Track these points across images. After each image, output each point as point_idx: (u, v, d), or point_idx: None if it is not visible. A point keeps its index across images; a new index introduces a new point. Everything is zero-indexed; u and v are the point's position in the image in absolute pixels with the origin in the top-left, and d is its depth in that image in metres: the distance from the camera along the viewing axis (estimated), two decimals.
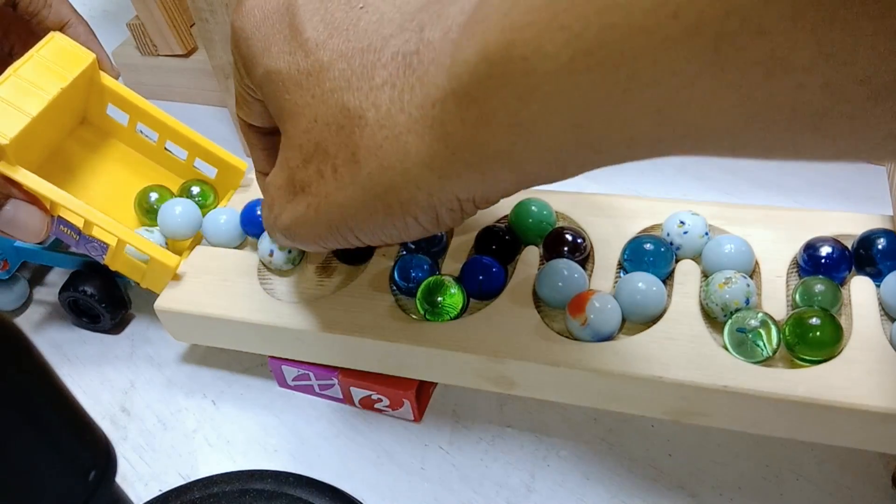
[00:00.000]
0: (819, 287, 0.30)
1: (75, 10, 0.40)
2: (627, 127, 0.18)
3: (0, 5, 0.38)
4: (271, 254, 0.36)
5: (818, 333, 0.28)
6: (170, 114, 0.41)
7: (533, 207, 0.35)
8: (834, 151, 0.16)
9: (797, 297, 0.31)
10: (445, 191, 0.22)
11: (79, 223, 0.36)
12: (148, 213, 0.40)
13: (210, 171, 0.42)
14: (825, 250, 0.31)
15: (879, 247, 0.31)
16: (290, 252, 0.37)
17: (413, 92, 0.22)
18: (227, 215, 0.39)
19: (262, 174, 0.32)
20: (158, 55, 0.57)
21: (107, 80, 0.40)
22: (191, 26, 0.57)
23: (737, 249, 0.32)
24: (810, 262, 0.31)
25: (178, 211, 0.38)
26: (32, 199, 0.36)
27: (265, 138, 0.31)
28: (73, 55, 0.38)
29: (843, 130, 0.15)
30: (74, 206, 0.35)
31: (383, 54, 0.23)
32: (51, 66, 0.37)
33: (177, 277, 0.37)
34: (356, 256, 0.36)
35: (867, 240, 0.31)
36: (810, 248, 0.32)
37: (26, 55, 0.36)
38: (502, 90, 0.19)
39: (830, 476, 0.32)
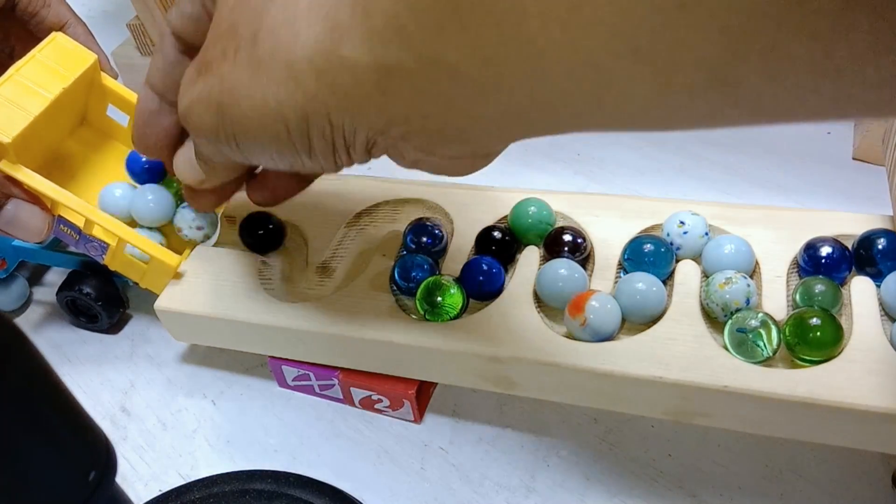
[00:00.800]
0: (819, 287, 0.30)
1: (73, 11, 0.40)
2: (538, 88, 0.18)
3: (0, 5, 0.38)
4: (179, 230, 0.37)
5: (818, 334, 0.28)
6: None
7: (532, 208, 0.35)
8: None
9: (797, 297, 0.31)
10: (318, 100, 0.21)
11: (79, 222, 0.36)
12: None
13: None
14: (825, 250, 0.31)
15: (879, 247, 0.31)
16: (200, 226, 0.37)
17: None
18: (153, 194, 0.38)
19: (148, 86, 0.31)
20: None
21: (107, 80, 0.40)
22: None
23: (737, 249, 0.32)
24: (810, 263, 0.31)
25: (150, 197, 0.38)
26: (33, 198, 0.36)
27: (179, 53, 0.29)
28: (75, 55, 0.38)
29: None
30: (75, 204, 0.35)
31: None
32: (52, 65, 0.37)
33: (177, 277, 0.37)
34: (265, 239, 0.37)
35: (867, 240, 0.31)
36: (810, 249, 0.32)
37: (28, 55, 0.36)
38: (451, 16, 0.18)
39: (830, 476, 0.32)
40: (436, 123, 0.21)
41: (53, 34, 0.38)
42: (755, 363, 0.29)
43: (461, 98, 0.20)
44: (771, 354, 0.29)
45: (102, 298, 0.40)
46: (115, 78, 0.41)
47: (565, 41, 0.17)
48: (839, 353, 0.28)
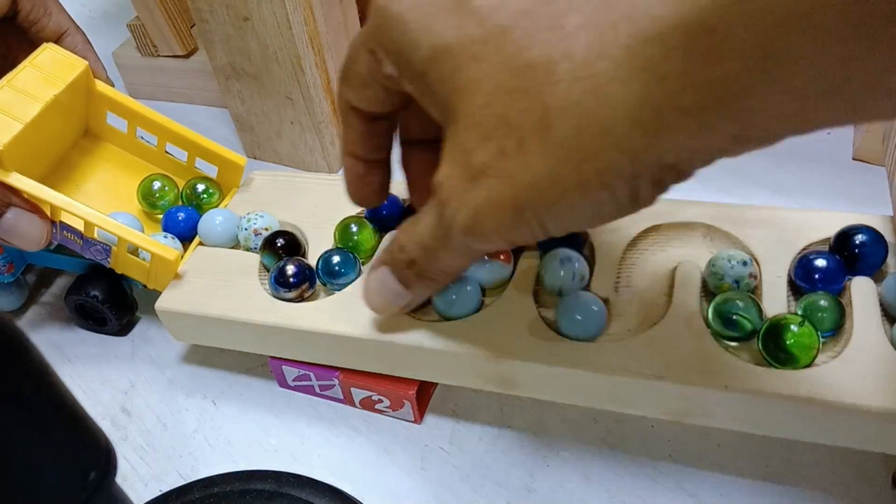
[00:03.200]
0: (823, 303, 0.30)
1: (73, 20, 0.41)
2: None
3: (1, 15, 0.38)
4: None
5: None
6: (170, 115, 0.42)
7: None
8: None
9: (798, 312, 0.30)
10: (651, 152, 0.19)
11: (79, 226, 0.36)
12: (152, 204, 0.41)
13: (211, 171, 0.42)
14: (820, 263, 0.31)
15: (857, 241, 0.31)
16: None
17: (617, 31, 0.19)
18: (222, 216, 0.39)
19: (350, 156, 0.30)
20: (159, 56, 0.57)
21: (102, 87, 0.41)
22: (191, 27, 0.57)
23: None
24: (805, 278, 0.31)
25: (218, 221, 0.39)
26: (33, 207, 0.36)
27: (368, 123, 0.29)
28: (66, 63, 0.39)
29: None
30: (73, 208, 0.35)
31: None
32: (44, 74, 0.37)
33: (178, 277, 0.37)
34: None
35: (844, 236, 0.32)
36: (804, 260, 0.31)
37: (20, 65, 0.37)
38: (752, 15, 0.16)
39: (830, 476, 0.32)
40: (800, 132, 0.20)
41: (45, 45, 0.39)
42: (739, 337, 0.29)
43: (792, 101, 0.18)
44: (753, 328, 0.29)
45: (111, 301, 0.40)
46: (112, 85, 0.41)
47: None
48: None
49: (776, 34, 0.16)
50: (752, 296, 0.30)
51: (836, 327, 0.30)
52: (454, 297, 0.32)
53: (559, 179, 0.21)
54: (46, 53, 0.38)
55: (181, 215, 0.40)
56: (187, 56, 0.57)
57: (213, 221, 0.39)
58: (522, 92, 0.20)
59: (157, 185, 0.41)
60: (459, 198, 0.23)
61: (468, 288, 0.33)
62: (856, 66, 0.16)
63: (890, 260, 0.32)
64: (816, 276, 0.31)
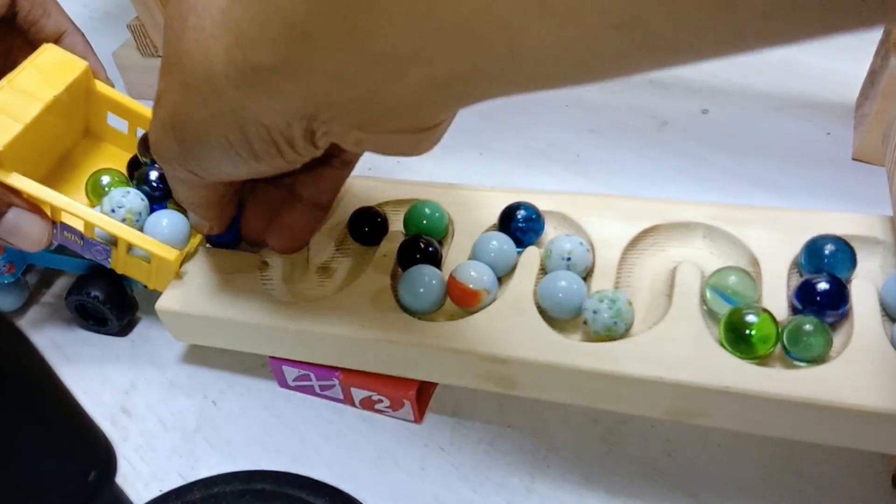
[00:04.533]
0: (808, 327, 0.29)
1: (72, 21, 0.41)
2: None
3: (1, 14, 0.38)
4: None
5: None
6: None
7: (426, 209, 0.36)
8: (804, 21, 0.16)
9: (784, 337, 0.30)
10: (247, 109, 0.23)
11: (79, 226, 0.36)
12: (100, 196, 0.39)
13: None
14: (822, 286, 0.30)
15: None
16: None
17: None
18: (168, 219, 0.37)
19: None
20: (159, 56, 0.57)
21: (102, 87, 0.41)
22: None
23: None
24: (805, 300, 0.30)
25: (164, 223, 0.37)
26: (34, 207, 0.36)
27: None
28: (66, 64, 0.39)
29: None
30: (73, 208, 0.35)
31: None
32: (44, 74, 0.37)
33: (178, 276, 0.37)
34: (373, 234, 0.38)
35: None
36: (806, 285, 0.31)
37: (20, 66, 0.37)
38: None
39: (830, 476, 0.32)
40: (361, 103, 0.22)
41: (44, 45, 0.39)
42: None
43: (378, 76, 0.20)
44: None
45: (111, 302, 0.40)
46: (112, 86, 0.41)
47: (472, 5, 0.17)
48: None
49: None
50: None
51: (820, 357, 0.29)
52: (421, 290, 0.33)
53: (188, 112, 0.25)
54: (47, 54, 0.38)
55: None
56: None
57: (159, 223, 0.37)
58: (173, 38, 0.24)
59: (105, 179, 0.40)
60: (151, 125, 0.28)
61: (433, 282, 0.33)
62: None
63: (890, 260, 0.32)
64: (818, 298, 0.30)
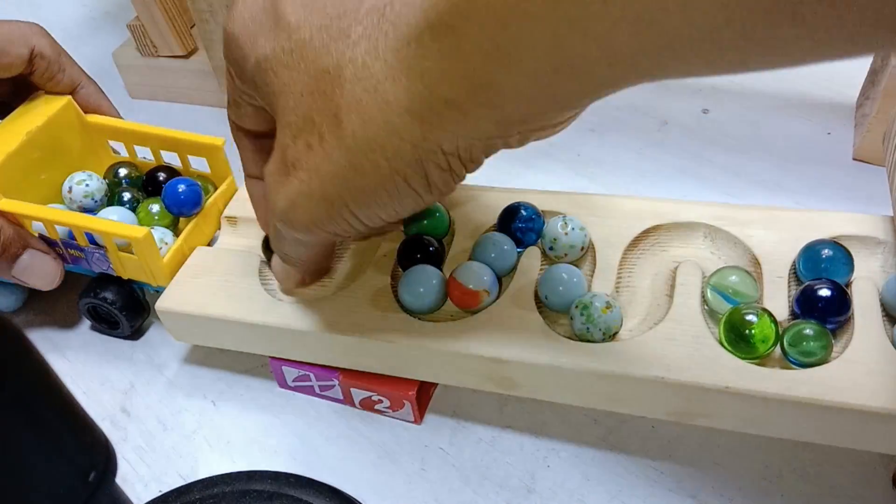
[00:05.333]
0: (808, 332, 0.29)
1: (85, 72, 0.43)
2: (607, 40, 0.18)
3: (16, 74, 0.41)
4: None
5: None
6: (170, 115, 0.42)
7: (428, 209, 0.36)
8: (811, 45, 0.17)
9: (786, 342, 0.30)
10: (429, 140, 0.22)
11: (63, 234, 0.38)
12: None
13: (205, 167, 0.42)
14: (824, 293, 0.30)
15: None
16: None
17: (387, 38, 0.22)
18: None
19: (250, 177, 0.33)
20: (159, 56, 0.57)
21: (96, 118, 0.43)
22: (191, 27, 0.57)
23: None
24: (807, 307, 0.30)
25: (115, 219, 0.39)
26: (46, 248, 0.39)
27: (255, 141, 0.31)
28: (48, 101, 0.42)
29: (820, 16, 0.15)
30: (55, 216, 0.37)
31: (359, 14, 0.23)
32: (28, 112, 0.41)
33: (170, 266, 0.37)
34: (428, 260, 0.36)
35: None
36: (808, 290, 0.30)
37: (13, 112, 0.41)
38: (480, 13, 0.19)
39: (830, 476, 0.32)
40: (543, 113, 0.22)
41: (36, 93, 0.42)
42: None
43: (564, 86, 0.20)
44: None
45: (123, 305, 0.40)
46: (118, 115, 0.44)
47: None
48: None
49: (501, 26, 0.19)
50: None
51: (819, 362, 0.29)
52: (421, 289, 0.33)
53: (356, 168, 0.24)
54: (34, 96, 0.42)
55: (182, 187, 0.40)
56: (187, 56, 0.57)
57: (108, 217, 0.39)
58: (320, 94, 0.24)
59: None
60: (276, 189, 0.26)
61: (433, 281, 0.33)
62: (569, 47, 0.19)
63: (890, 260, 0.32)
64: (820, 305, 0.30)
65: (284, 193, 0.26)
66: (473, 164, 0.24)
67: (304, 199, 0.25)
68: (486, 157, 0.24)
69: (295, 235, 0.28)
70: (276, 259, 0.34)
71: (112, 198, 0.42)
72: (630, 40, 0.18)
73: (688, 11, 0.16)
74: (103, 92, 0.44)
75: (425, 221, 0.36)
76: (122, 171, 0.43)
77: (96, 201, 0.40)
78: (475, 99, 0.21)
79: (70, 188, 0.40)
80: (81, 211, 0.40)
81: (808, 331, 0.29)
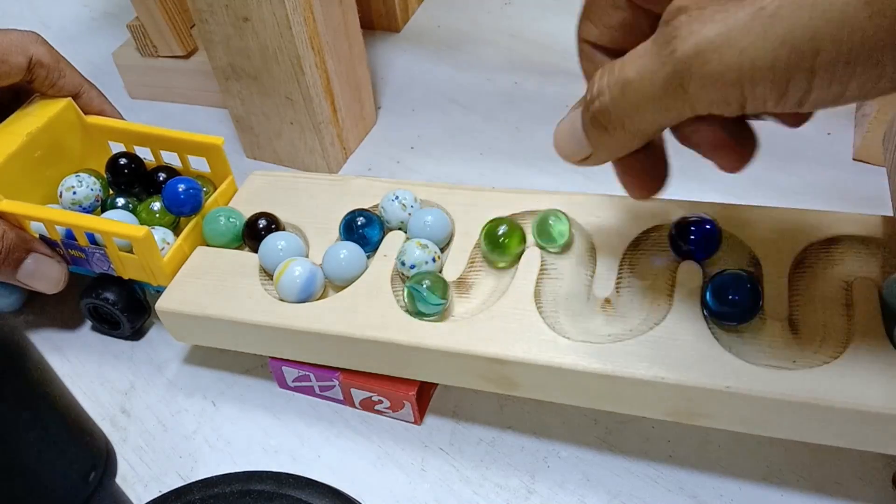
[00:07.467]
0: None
1: (86, 78, 0.44)
2: None
3: (17, 81, 0.41)
4: None
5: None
6: (170, 115, 0.42)
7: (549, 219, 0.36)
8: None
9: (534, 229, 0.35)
10: (865, 33, 0.19)
11: (63, 234, 0.38)
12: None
13: (203, 166, 0.43)
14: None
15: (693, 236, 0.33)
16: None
17: None
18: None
19: (587, 43, 0.27)
20: (159, 56, 0.57)
21: (96, 119, 0.43)
22: (191, 28, 0.57)
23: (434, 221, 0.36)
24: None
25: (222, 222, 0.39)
26: (52, 252, 0.39)
27: (599, 54, 0.27)
28: (48, 103, 0.42)
29: None
30: (56, 216, 0.37)
31: None
32: (29, 114, 0.41)
33: (170, 266, 0.37)
34: None
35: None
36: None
37: (12, 115, 0.41)
38: None
39: (830, 476, 0.32)
40: None
41: (34, 96, 0.42)
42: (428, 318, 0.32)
43: None
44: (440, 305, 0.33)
45: (124, 305, 0.40)
46: (121, 118, 0.44)
47: None
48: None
49: None
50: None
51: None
52: (343, 263, 0.35)
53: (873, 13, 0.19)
54: (34, 100, 0.42)
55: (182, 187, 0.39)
56: (187, 56, 0.57)
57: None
58: None
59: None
60: (707, 20, 0.21)
61: (353, 256, 0.35)
62: None
63: (890, 260, 0.32)
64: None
65: (720, 23, 0.20)
66: (820, 98, 0.20)
67: (755, 33, 0.20)
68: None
69: (691, 90, 0.22)
70: (565, 126, 0.27)
71: (105, 203, 0.42)
72: None
73: None
74: (105, 96, 0.44)
75: (428, 227, 0.37)
76: (123, 161, 0.42)
77: (85, 208, 0.40)
78: None
79: (61, 193, 0.41)
80: None
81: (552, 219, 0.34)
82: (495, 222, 0.35)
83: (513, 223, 0.35)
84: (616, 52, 0.25)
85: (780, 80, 0.20)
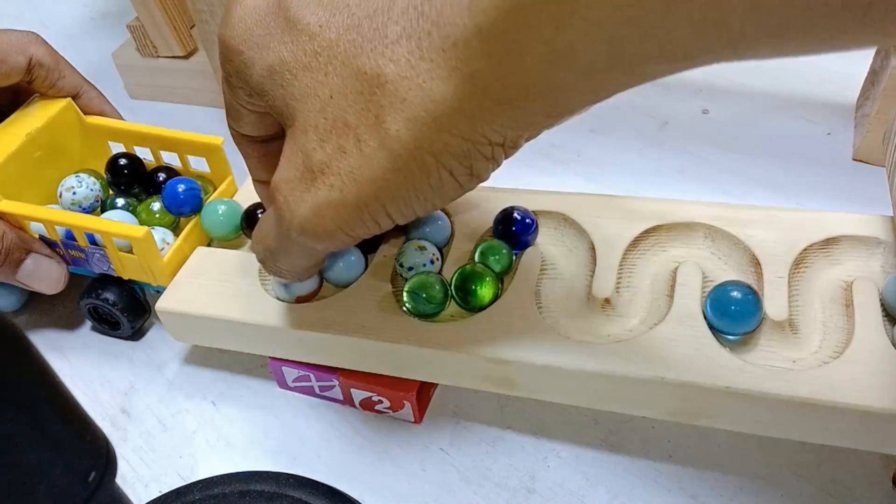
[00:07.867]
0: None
1: (85, 78, 0.44)
2: (668, 41, 0.18)
3: (17, 82, 0.41)
4: None
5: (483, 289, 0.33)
6: (169, 115, 0.42)
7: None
8: (874, 36, 0.16)
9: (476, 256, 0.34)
10: (477, 133, 0.22)
11: (63, 234, 0.38)
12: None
13: (204, 166, 0.43)
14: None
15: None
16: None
17: (430, 37, 0.21)
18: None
19: (259, 183, 0.32)
20: (158, 56, 0.57)
21: (96, 120, 0.43)
22: (191, 28, 0.57)
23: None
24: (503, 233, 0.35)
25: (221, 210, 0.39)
26: (51, 252, 0.39)
27: (260, 146, 0.30)
28: (48, 103, 0.42)
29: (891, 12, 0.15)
30: (55, 216, 0.37)
31: (392, 13, 0.22)
32: (28, 114, 0.42)
33: (170, 266, 0.37)
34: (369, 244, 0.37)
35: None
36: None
37: (12, 115, 0.41)
38: (534, 19, 0.19)
39: (830, 476, 0.32)
40: (601, 99, 0.21)
41: (34, 97, 0.42)
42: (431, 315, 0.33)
43: (618, 78, 0.20)
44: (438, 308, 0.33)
45: (123, 305, 0.40)
46: (120, 119, 0.44)
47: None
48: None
49: (557, 30, 0.19)
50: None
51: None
52: (341, 264, 0.35)
53: (401, 168, 0.23)
54: (33, 100, 0.42)
55: (181, 187, 0.40)
56: (187, 56, 0.57)
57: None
58: (356, 95, 0.23)
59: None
60: (298, 197, 0.25)
61: (352, 258, 0.35)
62: (628, 47, 0.18)
63: (890, 260, 0.32)
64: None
65: (309, 201, 0.25)
66: (514, 150, 0.24)
67: (335, 204, 0.24)
68: (527, 142, 0.24)
69: (312, 245, 0.26)
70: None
71: (104, 203, 0.42)
72: (693, 40, 0.18)
73: (754, 12, 0.16)
74: (104, 96, 0.44)
75: (428, 229, 0.36)
76: (122, 161, 0.42)
77: (84, 209, 0.40)
78: (527, 96, 0.21)
79: (60, 193, 0.41)
80: None
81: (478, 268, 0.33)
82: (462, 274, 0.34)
83: (479, 272, 0.33)
84: (266, 138, 0.30)
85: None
